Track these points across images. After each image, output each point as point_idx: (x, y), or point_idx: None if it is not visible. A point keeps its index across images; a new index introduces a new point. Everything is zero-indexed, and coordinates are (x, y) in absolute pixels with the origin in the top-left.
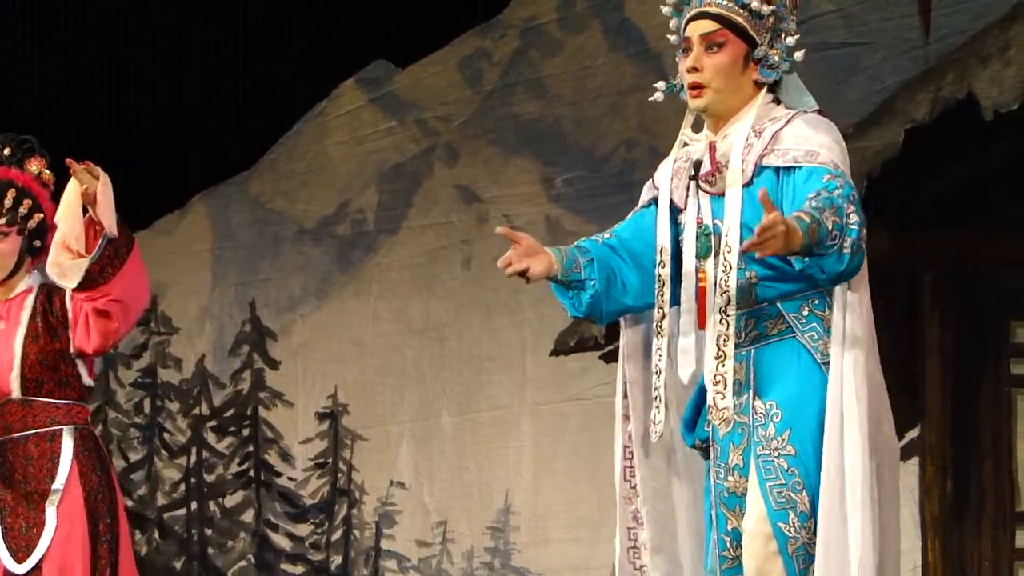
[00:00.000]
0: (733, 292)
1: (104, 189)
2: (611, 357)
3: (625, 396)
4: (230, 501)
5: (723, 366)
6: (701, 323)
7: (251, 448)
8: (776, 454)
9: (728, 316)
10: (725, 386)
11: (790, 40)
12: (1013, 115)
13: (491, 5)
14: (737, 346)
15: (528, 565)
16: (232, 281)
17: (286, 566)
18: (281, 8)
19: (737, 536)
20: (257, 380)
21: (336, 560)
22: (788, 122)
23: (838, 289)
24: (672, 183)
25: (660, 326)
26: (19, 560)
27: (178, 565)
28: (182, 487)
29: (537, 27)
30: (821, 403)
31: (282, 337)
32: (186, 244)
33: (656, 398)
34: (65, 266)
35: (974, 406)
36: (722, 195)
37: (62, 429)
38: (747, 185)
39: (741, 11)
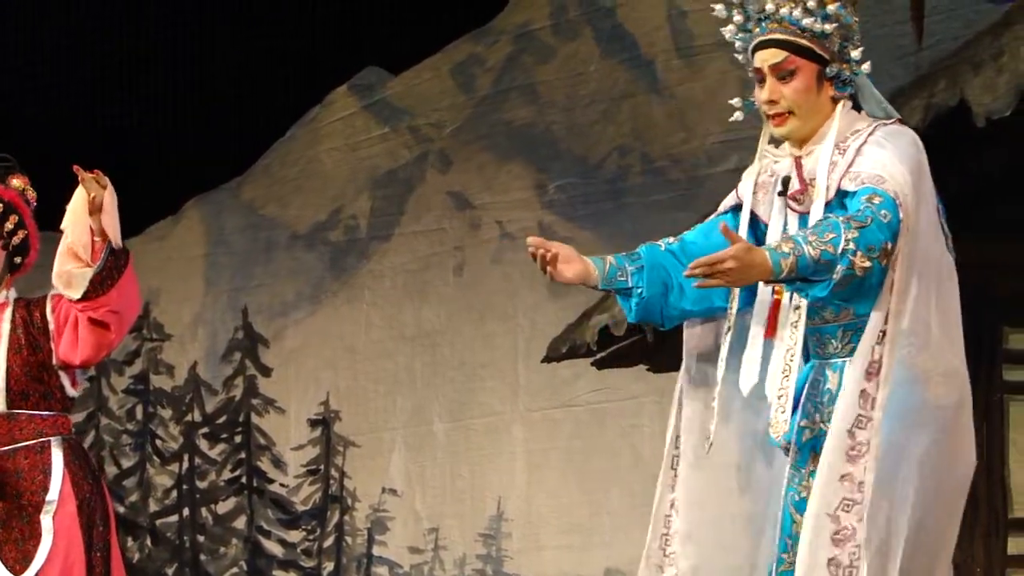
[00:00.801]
0: (804, 308)
1: (110, 199)
2: (603, 364)
3: (690, 381)
4: (222, 507)
5: (787, 380)
6: (769, 333)
7: (243, 455)
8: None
9: (796, 331)
10: (787, 400)
11: (855, 53)
12: (1005, 121)
13: (484, 11)
14: (832, 356)
15: (520, 572)
16: (225, 287)
17: (278, 572)
18: (274, 14)
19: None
20: (249, 387)
21: (328, 567)
22: (868, 137)
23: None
24: (756, 197)
25: (725, 338)
26: (16, 572)
27: (170, 571)
28: (174, 493)
29: (530, 33)
30: None
31: (274, 343)
32: (179, 250)
33: (715, 404)
34: (73, 275)
35: None
36: (808, 212)
37: (50, 440)
38: (829, 203)
39: (805, 33)
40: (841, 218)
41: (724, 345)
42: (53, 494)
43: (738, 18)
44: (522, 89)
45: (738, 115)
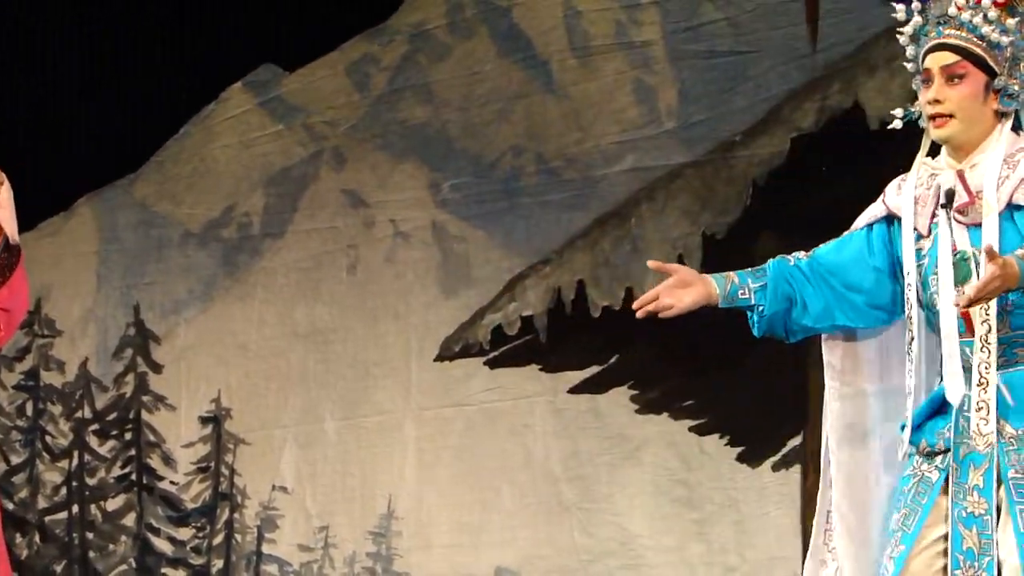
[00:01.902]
0: (994, 320)
1: (7, 194)
2: (496, 363)
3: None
4: (112, 505)
5: (985, 392)
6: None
7: (133, 452)
8: None
9: (989, 344)
10: (988, 412)
11: None
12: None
13: (380, 10)
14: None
15: (410, 570)
16: (116, 284)
17: (167, 570)
18: (169, 10)
19: (971, 556)
20: (140, 383)
21: (217, 564)
22: None
23: None
24: (915, 208)
25: (911, 347)
26: None
27: (59, 568)
28: (64, 490)
29: (425, 32)
30: None
31: (166, 340)
32: (71, 246)
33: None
34: None
35: None
36: (975, 225)
37: None
38: (1000, 215)
39: (980, 42)
40: None
41: (908, 360)
42: None
43: (918, 20)
44: (417, 88)
45: (897, 123)
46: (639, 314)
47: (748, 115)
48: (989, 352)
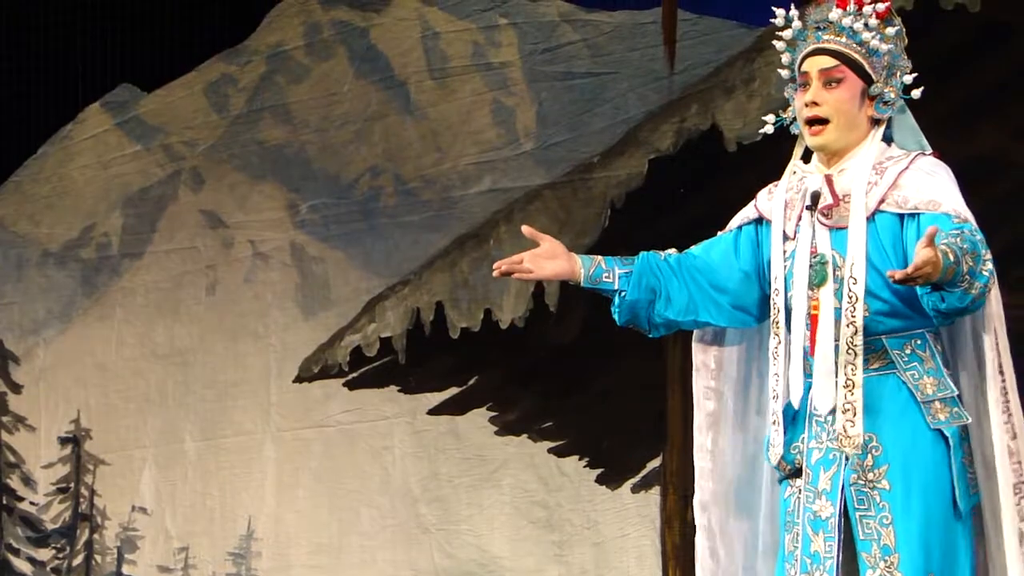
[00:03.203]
0: (859, 323)
1: None
2: (355, 384)
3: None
4: None
5: (852, 394)
6: (812, 350)
7: None
8: (871, 486)
9: (855, 346)
10: (855, 414)
11: (907, 78)
12: (757, 146)
13: (238, 31)
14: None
15: None
16: None
17: None
18: (26, 30)
19: (817, 559)
20: None
21: None
22: (909, 165)
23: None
24: (785, 213)
25: (776, 352)
26: None
27: None
28: None
29: (283, 53)
30: (919, 442)
31: (25, 361)
32: None
33: (774, 422)
34: None
35: None
36: (839, 228)
37: None
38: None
39: (859, 48)
40: (979, 237)
41: (774, 363)
42: None
43: (797, 24)
44: (275, 109)
45: (768, 128)
46: (496, 273)
47: (606, 136)
48: (855, 354)
